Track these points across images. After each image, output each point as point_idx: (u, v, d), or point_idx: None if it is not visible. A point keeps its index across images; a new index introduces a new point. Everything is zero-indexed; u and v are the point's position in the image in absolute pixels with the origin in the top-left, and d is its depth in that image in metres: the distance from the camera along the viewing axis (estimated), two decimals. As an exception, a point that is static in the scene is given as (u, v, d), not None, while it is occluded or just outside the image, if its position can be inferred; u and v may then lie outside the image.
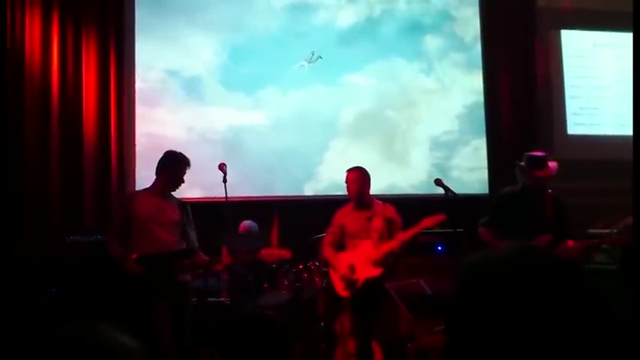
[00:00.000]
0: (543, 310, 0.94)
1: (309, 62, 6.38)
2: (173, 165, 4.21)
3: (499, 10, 6.96)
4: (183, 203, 4.29)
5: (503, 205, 4.33)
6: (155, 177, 4.26)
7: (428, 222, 4.26)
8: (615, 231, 4.59)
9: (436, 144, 6.66)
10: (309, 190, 6.31)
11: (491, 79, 6.88)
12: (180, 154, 4.25)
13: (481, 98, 6.82)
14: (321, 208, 5.14)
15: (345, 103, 6.48)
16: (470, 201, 5.32)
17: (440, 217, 4.23)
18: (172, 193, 4.28)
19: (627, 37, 4.68)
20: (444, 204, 4.34)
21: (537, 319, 0.93)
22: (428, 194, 5.82)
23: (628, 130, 4.52)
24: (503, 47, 6.95)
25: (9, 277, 4.70)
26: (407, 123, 6.62)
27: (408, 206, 4.91)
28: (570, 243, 4.19)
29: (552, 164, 4.28)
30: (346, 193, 4.62)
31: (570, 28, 7.27)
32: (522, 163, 4.28)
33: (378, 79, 6.57)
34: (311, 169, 6.34)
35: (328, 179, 6.26)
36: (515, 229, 4.18)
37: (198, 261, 4.22)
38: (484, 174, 6.71)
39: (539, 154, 4.32)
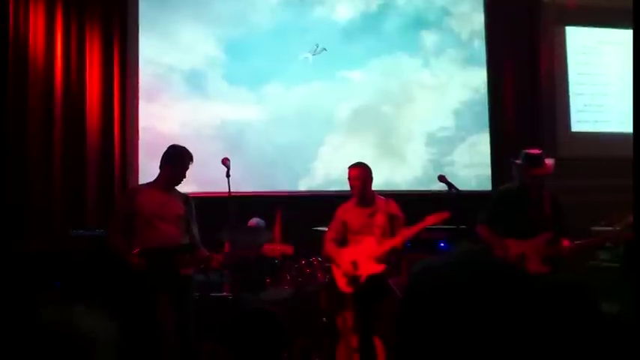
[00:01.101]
0: (485, 315, 0.94)
1: (314, 54, 6.37)
2: (176, 159, 4.19)
3: (503, 6, 6.94)
4: (187, 197, 4.27)
5: (501, 203, 4.31)
6: (158, 171, 4.26)
7: (432, 219, 4.23)
8: (618, 228, 4.56)
9: (433, 140, 6.65)
10: (303, 186, 6.32)
11: (494, 75, 6.86)
12: (184, 148, 4.23)
13: (480, 94, 6.81)
14: (324, 203, 5.13)
15: (342, 97, 6.47)
16: (473, 197, 5.30)
17: (444, 215, 4.20)
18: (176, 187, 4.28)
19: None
20: (447, 200, 4.32)
21: (479, 324, 0.94)
22: (431, 190, 5.81)
23: (632, 128, 4.49)
24: (507, 43, 6.93)
25: (12, 271, 4.71)
26: (404, 118, 6.62)
27: (409, 202, 4.89)
28: (568, 241, 4.18)
29: (549, 162, 4.26)
30: (347, 188, 4.60)
31: (575, 25, 7.24)
32: (519, 161, 4.26)
33: (376, 75, 6.57)
34: (309, 163, 6.36)
35: (325, 174, 6.30)
36: (514, 226, 4.17)
37: (199, 256, 4.21)
38: (482, 170, 6.70)
39: (536, 151, 4.29)
